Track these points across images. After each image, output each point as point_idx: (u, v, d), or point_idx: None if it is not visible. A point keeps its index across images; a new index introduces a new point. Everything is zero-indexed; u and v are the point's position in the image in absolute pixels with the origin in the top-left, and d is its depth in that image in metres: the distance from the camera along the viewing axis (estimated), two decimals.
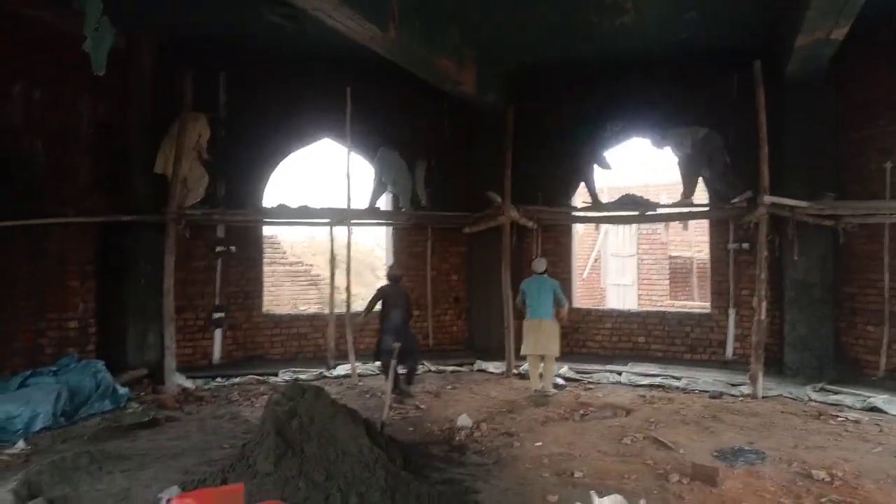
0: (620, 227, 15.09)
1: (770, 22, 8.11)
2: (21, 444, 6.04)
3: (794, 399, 7.95)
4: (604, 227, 16.09)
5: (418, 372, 8.76)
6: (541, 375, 8.21)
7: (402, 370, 8.08)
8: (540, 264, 8.61)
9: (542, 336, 8.17)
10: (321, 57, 9.65)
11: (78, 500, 4.64)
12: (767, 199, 8.13)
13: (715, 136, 9.22)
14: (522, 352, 8.41)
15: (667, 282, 15.20)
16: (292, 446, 4.78)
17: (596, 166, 10.39)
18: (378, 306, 8.39)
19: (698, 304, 13.77)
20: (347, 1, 5.88)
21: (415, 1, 7.14)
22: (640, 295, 15.17)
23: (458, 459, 5.84)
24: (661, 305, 14.01)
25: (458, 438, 6.47)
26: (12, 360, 7.76)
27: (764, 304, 8.27)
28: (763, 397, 8.01)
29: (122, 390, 7.58)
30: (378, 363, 8.71)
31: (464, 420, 6.89)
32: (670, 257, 15.52)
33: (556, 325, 8.31)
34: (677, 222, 12.18)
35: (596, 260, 17.66)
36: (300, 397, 5.20)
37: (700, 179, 9.63)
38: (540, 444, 6.25)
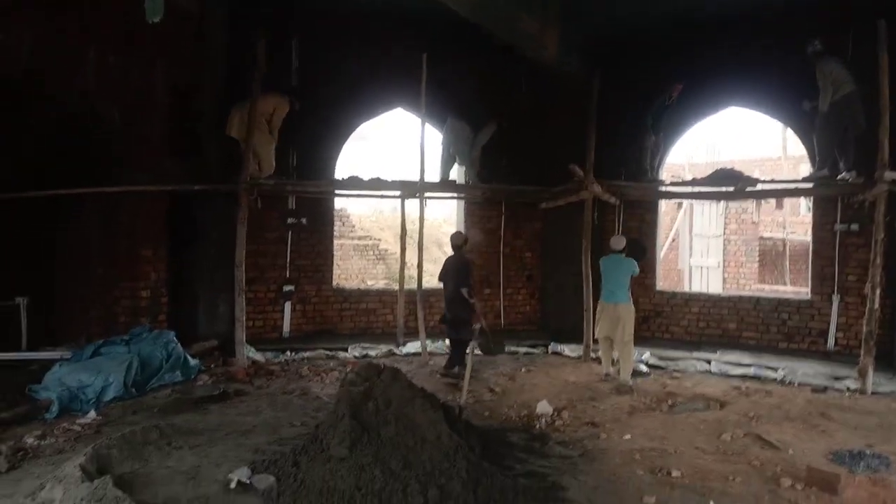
0: (706, 205, 14.18)
1: None
2: (93, 413, 5.97)
3: None
4: (685, 204, 15.19)
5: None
6: (615, 362, 7.76)
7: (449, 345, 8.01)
8: (619, 242, 7.99)
9: (616, 322, 7.68)
10: (394, 22, 9.23)
11: (147, 477, 4.44)
12: (888, 174, 7.27)
13: (856, 99, 7.84)
14: (595, 335, 8.06)
15: (756, 264, 14.20)
16: (368, 430, 4.47)
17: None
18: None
19: (791, 288, 12.84)
20: None
21: None
22: (725, 278, 14.25)
23: (540, 450, 5.41)
24: (748, 289, 13.12)
25: (538, 426, 6.04)
26: (88, 329, 7.82)
27: (878, 291, 7.46)
28: (873, 393, 7.26)
29: (193, 362, 7.48)
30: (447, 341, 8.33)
31: (544, 407, 6.44)
32: (761, 238, 14.48)
33: (631, 310, 7.80)
34: (770, 200, 11.27)
35: (674, 240, 16.78)
36: (376, 378, 4.89)
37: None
38: (629, 436, 5.75)
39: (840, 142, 8.02)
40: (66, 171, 7.46)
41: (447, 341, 9.09)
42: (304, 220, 9.53)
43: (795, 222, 15.70)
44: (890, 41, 7.26)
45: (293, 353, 8.66)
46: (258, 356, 8.31)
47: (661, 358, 8.75)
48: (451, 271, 7.81)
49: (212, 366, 7.86)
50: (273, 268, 9.40)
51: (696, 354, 8.81)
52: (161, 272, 8.21)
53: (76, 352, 7.01)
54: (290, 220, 9.45)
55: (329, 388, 7.21)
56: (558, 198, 9.53)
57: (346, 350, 8.90)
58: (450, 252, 8.38)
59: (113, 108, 7.54)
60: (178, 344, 7.43)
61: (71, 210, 7.88)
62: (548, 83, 9.99)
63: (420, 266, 8.91)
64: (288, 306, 9.46)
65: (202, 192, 8.28)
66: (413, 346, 8.94)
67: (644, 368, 8.28)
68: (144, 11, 4.75)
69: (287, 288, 9.44)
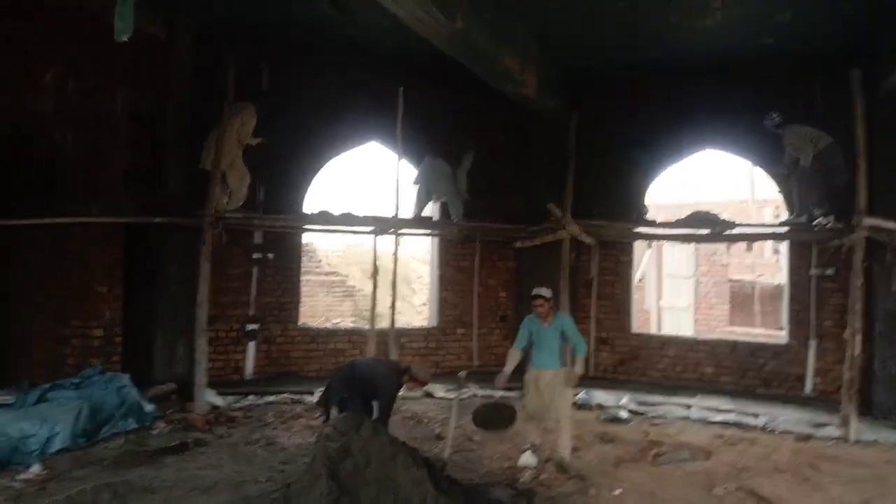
0: (677, 246, 14.21)
1: (872, 24, 7.33)
2: (37, 467, 5.42)
3: (893, 446, 7.04)
4: (654, 245, 15.21)
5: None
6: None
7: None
8: (545, 292, 6.29)
9: (544, 394, 6.16)
10: (370, 54, 9.04)
11: None
12: (867, 221, 7.27)
13: (837, 150, 7.96)
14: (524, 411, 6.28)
15: (726, 306, 14.23)
16: (347, 492, 4.06)
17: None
18: None
19: (762, 331, 12.83)
20: None
21: None
22: (696, 319, 14.22)
23: None
24: (719, 331, 13.08)
25: (522, 480, 5.70)
26: (33, 370, 7.21)
27: (859, 338, 7.40)
28: (856, 442, 7.13)
29: (149, 407, 6.93)
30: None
31: (527, 459, 6.09)
32: (731, 280, 14.56)
33: (565, 378, 6.19)
34: (741, 243, 11.32)
35: (640, 280, 16.76)
36: (355, 433, 4.49)
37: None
38: (619, 492, 5.46)
39: (823, 191, 8.08)
40: (13, 199, 6.97)
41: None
42: (270, 256, 9.12)
43: (762, 264, 15.88)
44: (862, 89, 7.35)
45: (256, 398, 8.13)
46: (219, 401, 7.76)
47: (640, 403, 8.51)
48: (369, 383, 5.57)
49: (169, 412, 7.27)
50: (236, 306, 8.92)
51: (674, 400, 8.61)
52: (116, 310, 7.65)
53: (19, 397, 6.46)
54: (255, 256, 9.02)
55: (296, 436, 6.75)
56: (535, 237, 9.36)
57: (311, 394, 8.39)
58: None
59: (69, 133, 7.09)
60: (133, 388, 6.90)
61: (18, 241, 7.34)
62: (526, 121, 9.90)
63: (394, 305, 8.56)
64: (251, 346, 8.97)
65: (163, 225, 7.82)
66: None
67: (624, 414, 8.02)
68: (114, 31, 4.40)
69: (251, 327, 8.96)
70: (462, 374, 6.49)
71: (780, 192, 9.19)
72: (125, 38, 4.46)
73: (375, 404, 5.46)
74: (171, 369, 8.13)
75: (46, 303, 7.39)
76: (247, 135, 8.21)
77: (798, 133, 8.13)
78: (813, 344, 8.68)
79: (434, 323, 10.13)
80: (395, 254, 8.57)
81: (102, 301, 7.48)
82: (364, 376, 5.66)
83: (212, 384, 7.90)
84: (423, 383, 6.10)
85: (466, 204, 9.51)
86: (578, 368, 6.21)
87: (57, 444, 5.79)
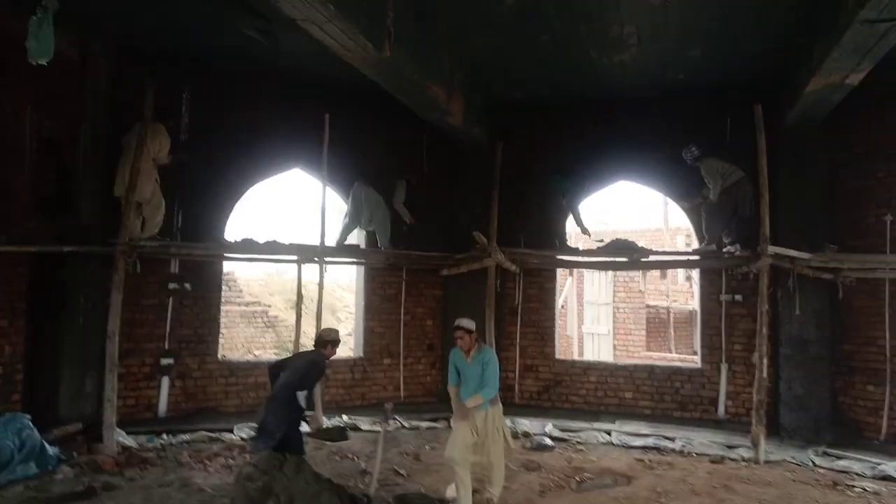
0: (596, 273, 14.63)
1: (775, 64, 7.85)
2: None
3: (798, 465, 7.44)
4: (575, 272, 15.62)
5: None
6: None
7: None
8: (466, 324, 5.88)
9: (481, 433, 5.73)
10: (295, 80, 8.96)
11: None
12: (771, 248, 7.72)
13: (747, 184, 8.43)
14: (446, 454, 5.69)
15: (643, 332, 14.73)
16: None
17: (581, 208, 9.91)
18: None
19: (676, 356, 13.32)
20: (343, 13, 5.21)
21: (409, 22, 6.53)
22: (615, 345, 14.64)
23: None
24: (637, 357, 13.49)
25: None
26: None
27: (766, 361, 7.80)
28: (766, 462, 7.47)
29: (52, 450, 6.45)
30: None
31: (452, 491, 6.04)
32: (647, 306, 15.09)
33: (500, 414, 5.92)
34: (655, 271, 11.78)
35: (562, 306, 17.15)
36: (277, 471, 4.35)
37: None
38: None
39: (727, 222, 8.53)
40: None
41: (345, 417, 8.64)
42: (187, 286, 8.72)
43: (675, 290, 16.56)
44: (765, 124, 7.83)
45: (171, 436, 7.71)
46: (130, 441, 7.33)
47: (562, 430, 8.64)
48: (293, 367, 5.79)
49: (75, 454, 6.78)
50: (150, 339, 8.48)
51: (596, 425, 8.80)
52: (17, 345, 7.13)
53: None
54: (171, 286, 8.62)
55: (214, 477, 6.44)
56: (461, 264, 9.43)
57: (231, 431, 8.07)
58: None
59: None
60: (34, 430, 6.40)
61: None
62: (452, 149, 10.03)
63: None
64: (165, 382, 8.52)
65: (74, 254, 7.40)
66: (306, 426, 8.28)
67: (549, 441, 8.12)
68: (26, 51, 4.14)
69: (165, 361, 8.52)
70: (388, 405, 6.35)
71: (690, 221, 9.64)
72: (44, 62, 4.20)
73: (301, 394, 5.52)
74: (78, 408, 7.63)
75: None
76: (164, 156, 7.93)
77: (711, 167, 8.60)
78: (724, 368, 9.06)
79: (360, 353, 9.98)
80: (321, 283, 8.40)
81: (2, 336, 6.96)
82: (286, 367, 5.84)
83: (122, 423, 7.48)
84: (336, 342, 6.07)
85: (395, 232, 9.50)
86: (470, 402, 5.62)
87: None
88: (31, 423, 6.43)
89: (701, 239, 9.10)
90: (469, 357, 5.84)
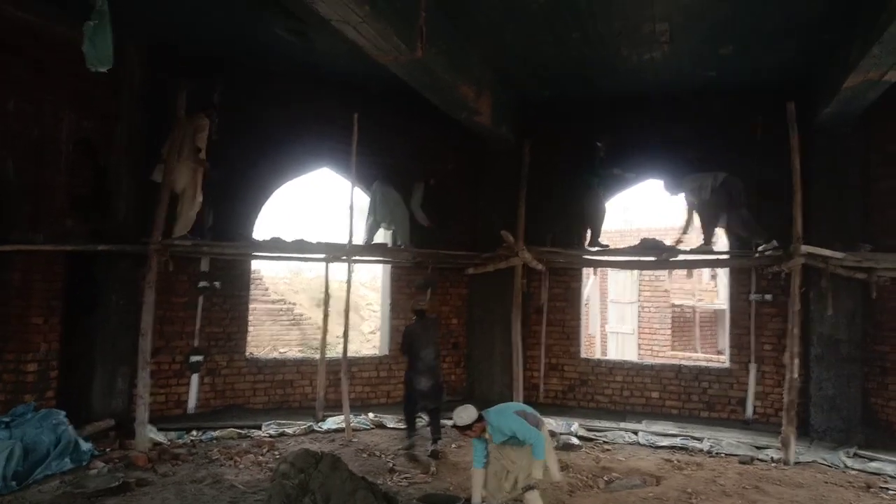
0: (621, 272, 14.53)
1: (808, 60, 7.76)
2: None
3: (829, 467, 7.34)
4: (598, 271, 15.51)
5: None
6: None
7: (426, 421, 7.63)
8: (461, 421, 5.26)
9: (513, 463, 5.38)
10: (325, 79, 9.03)
11: None
12: (804, 248, 7.62)
13: (734, 180, 8.58)
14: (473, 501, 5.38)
15: (668, 331, 14.60)
16: None
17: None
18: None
19: (702, 355, 13.19)
20: (378, 14, 5.23)
21: (440, 21, 6.54)
22: (640, 344, 14.53)
23: None
24: (662, 356, 13.38)
25: None
26: None
27: (797, 361, 7.69)
28: (796, 463, 7.38)
29: (86, 446, 6.56)
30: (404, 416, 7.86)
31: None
32: (672, 306, 14.95)
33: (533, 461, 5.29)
34: (682, 270, 11.68)
35: (585, 304, 17.06)
36: (313, 469, 4.39)
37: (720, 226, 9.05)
38: None
39: (742, 222, 8.61)
40: None
41: (371, 415, 8.71)
42: (217, 284, 8.82)
43: (700, 290, 16.39)
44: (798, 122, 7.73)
45: (200, 433, 7.80)
46: (161, 437, 7.42)
47: (589, 429, 8.60)
48: (426, 338, 7.66)
49: (107, 450, 6.91)
50: (180, 336, 8.59)
51: (622, 425, 8.75)
52: (53, 342, 7.27)
53: None
54: (201, 284, 8.72)
55: (244, 473, 6.51)
56: (488, 263, 9.41)
57: (259, 428, 8.15)
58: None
59: (8, 158, 6.75)
60: (69, 425, 6.51)
61: None
62: (480, 148, 10.02)
63: (346, 333, 8.41)
64: (195, 379, 8.63)
65: (109, 253, 7.51)
66: (334, 422, 8.35)
67: (575, 441, 8.08)
68: (85, 58, 4.21)
69: (195, 358, 8.63)
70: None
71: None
72: (103, 70, 4.27)
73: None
74: (110, 404, 7.77)
75: None
76: (203, 140, 7.95)
77: (694, 178, 8.74)
78: (753, 368, 8.97)
79: (385, 351, 10.01)
80: (349, 280, 8.44)
81: (38, 333, 7.10)
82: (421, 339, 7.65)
83: (152, 419, 7.54)
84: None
85: (420, 231, 9.51)
86: (536, 472, 5.23)
87: None
88: (65, 419, 6.54)
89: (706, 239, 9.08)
90: (487, 436, 5.31)
